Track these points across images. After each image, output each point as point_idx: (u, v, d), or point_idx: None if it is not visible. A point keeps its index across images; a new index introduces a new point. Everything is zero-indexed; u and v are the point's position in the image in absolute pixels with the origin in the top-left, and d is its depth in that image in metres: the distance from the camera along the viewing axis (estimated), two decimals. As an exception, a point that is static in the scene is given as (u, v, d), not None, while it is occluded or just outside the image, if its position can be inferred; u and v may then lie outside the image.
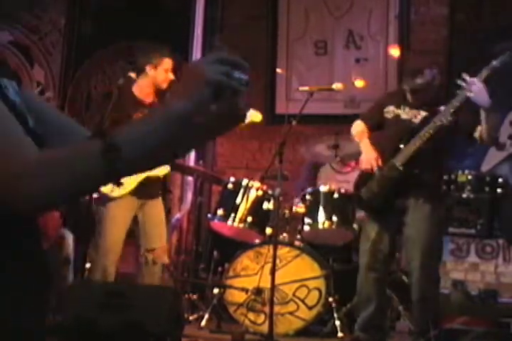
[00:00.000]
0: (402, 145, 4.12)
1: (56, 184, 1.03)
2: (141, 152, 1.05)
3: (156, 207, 4.68)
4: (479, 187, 4.72)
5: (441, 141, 4.12)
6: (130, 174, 1.06)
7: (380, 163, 4.16)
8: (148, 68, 4.65)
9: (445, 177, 4.75)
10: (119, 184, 1.04)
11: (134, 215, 4.62)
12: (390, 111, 4.32)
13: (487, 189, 4.70)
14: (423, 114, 4.19)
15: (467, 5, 5.82)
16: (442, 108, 4.10)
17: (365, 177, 4.27)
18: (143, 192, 4.56)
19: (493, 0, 5.78)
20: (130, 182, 4.49)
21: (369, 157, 4.21)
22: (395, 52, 5.86)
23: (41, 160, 1.04)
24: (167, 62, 4.65)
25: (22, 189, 1.02)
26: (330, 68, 6.21)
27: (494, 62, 4.02)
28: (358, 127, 4.46)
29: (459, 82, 3.97)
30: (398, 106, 4.30)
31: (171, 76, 4.65)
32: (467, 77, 3.96)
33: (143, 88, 4.68)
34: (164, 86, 4.67)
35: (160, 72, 4.64)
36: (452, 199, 4.75)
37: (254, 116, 4.55)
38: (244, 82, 1.08)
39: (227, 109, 1.07)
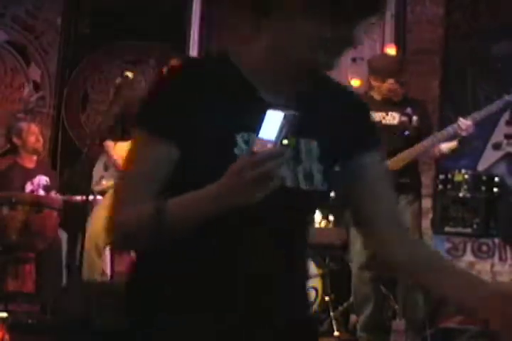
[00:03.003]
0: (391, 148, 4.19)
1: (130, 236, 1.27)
2: (180, 223, 1.22)
3: None
4: (475, 186, 4.72)
5: None
6: (173, 235, 1.23)
7: None
8: None
9: (442, 176, 4.78)
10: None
11: None
12: None
13: (483, 188, 4.71)
14: (395, 115, 4.25)
15: (463, 4, 5.82)
16: (409, 110, 4.20)
17: None
18: None
19: (490, -1, 5.78)
20: (112, 181, 4.52)
21: None
22: (391, 51, 5.86)
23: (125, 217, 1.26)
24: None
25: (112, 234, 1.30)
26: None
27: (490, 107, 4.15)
28: None
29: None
30: None
31: None
32: (462, 121, 4.10)
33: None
34: None
35: None
36: (448, 198, 4.76)
37: None
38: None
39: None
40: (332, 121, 1.34)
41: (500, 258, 5.50)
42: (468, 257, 5.56)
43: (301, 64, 1.27)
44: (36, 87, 6.79)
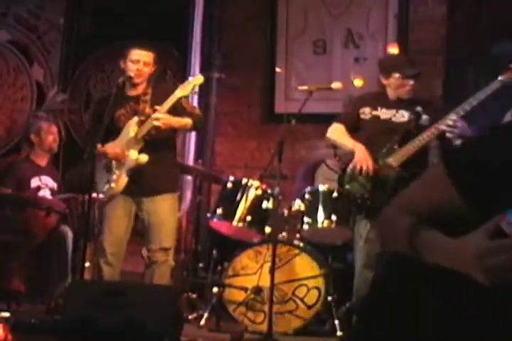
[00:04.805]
0: (395, 146, 4.19)
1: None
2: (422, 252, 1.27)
3: (157, 204, 4.53)
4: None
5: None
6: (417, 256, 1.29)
7: (372, 166, 4.20)
8: (121, 63, 4.63)
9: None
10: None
11: (135, 214, 4.60)
12: (366, 112, 4.41)
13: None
14: (404, 113, 4.29)
15: (466, 4, 5.82)
16: (419, 108, 4.21)
17: (351, 173, 4.30)
18: (132, 189, 4.52)
19: (492, -1, 5.78)
20: (121, 180, 4.49)
21: (362, 158, 4.24)
22: (393, 51, 5.86)
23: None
24: (134, 53, 4.55)
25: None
26: (329, 67, 6.21)
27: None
28: (338, 130, 4.47)
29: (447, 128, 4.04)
30: (374, 108, 4.40)
31: (141, 66, 4.54)
32: (450, 122, 4.03)
33: (125, 83, 4.65)
34: (137, 79, 4.58)
35: (128, 64, 4.59)
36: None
37: (197, 79, 4.54)
38: None
39: None
40: None
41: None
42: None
43: None
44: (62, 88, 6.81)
